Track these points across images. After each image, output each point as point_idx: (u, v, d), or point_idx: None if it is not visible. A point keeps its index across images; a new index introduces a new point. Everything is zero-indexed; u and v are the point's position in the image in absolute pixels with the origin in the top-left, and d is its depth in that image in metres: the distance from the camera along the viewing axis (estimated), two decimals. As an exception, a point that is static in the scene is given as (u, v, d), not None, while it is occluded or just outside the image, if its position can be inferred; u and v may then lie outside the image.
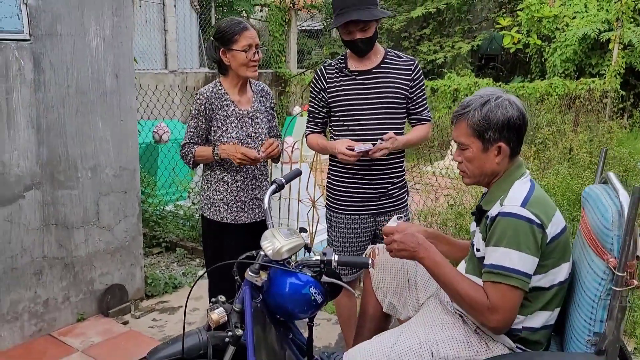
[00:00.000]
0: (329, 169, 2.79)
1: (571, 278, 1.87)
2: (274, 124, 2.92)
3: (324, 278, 2.08)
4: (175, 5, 11.28)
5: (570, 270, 1.85)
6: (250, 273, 2.10)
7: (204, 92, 2.68)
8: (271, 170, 4.92)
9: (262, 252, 2.09)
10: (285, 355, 2.33)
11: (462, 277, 1.84)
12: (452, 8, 14.17)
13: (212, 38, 2.69)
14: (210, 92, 2.68)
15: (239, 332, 2.06)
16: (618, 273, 1.54)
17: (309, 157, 4.59)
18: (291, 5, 13.81)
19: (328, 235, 2.83)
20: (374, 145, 2.48)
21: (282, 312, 2.19)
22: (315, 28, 16.89)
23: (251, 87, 2.81)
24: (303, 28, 16.41)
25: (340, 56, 2.73)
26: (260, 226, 2.71)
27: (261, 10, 14.35)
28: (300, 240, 2.10)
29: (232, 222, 2.73)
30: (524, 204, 1.75)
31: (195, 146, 2.71)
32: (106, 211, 3.53)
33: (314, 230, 4.37)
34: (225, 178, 2.72)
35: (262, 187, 2.81)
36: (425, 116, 2.70)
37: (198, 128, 2.69)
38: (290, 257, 2.11)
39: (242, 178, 2.73)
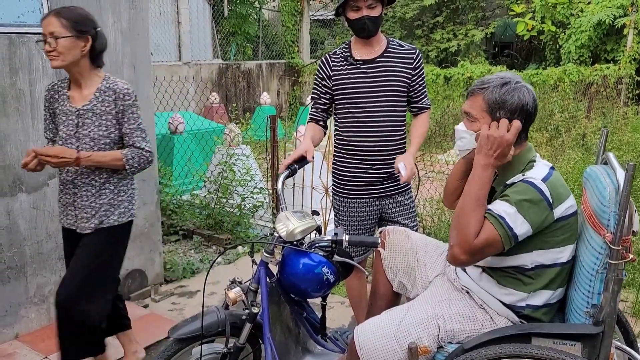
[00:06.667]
0: (334, 156, 2.87)
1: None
2: (126, 130, 2.48)
3: (336, 257, 2.17)
4: (188, -3, 11.39)
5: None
6: (265, 254, 2.20)
7: (49, 85, 2.53)
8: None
9: (276, 234, 2.18)
10: (300, 332, 2.43)
11: (483, 210, 1.84)
12: (465, -5, 14.10)
13: None
14: (53, 85, 2.52)
15: (255, 310, 2.15)
16: (614, 247, 1.62)
17: (321, 146, 4.66)
18: (303, -5, 13.85)
19: (336, 220, 2.92)
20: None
21: (296, 291, 2.28)
22: (328, 18, 16.90)
23: (102, 84, 2.46)
24: (315, 18, 16.43)
25: (344, 44, 2.81)
26: (73, 235, 2.54)
27: (274, 1, 14.40)
28: (313, 222, 2.18)
29: (60, 222, 2.62)
30: (544, 180, 1.84)
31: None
32: (126, 198, 3.65)
33: (327, 218, 4.47)
34: (58, 177, 2.59)
35: (81, 196, 2.49)
36: (426, 104, 2.81)
37: (47, 121, 2.56)
38: (303, 239, 2.21)
39: (63, 179, 2.54)
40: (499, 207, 1.83)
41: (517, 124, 1.85)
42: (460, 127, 1.98)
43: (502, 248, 1.82)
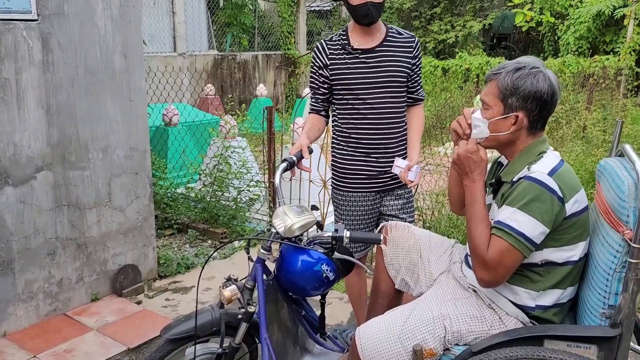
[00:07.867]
0: (333, 149, 2.76)
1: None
2: None
3: (336, 254, 2.08)
4: (183, -13, 11.21)
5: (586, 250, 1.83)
6: (262, 250, 2.10)
7: None
8: (282, 150, 4.92)
9: (273, 230, 2.08)
10: (298, 331, 2.34)
11: (485, 223, 1.82)
12: (463, -14, 13.96)
13: None
14: None
15: (252, 308, 2.06)
16: (634, 245, 1.52)
17: (319, 138, 4.55)
18: (300, -15, 13.67)
19: (335, 214, 2.82)
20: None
21: (294, 289, 2.19)
22: (325, 9, 16.72)
23: None
24: (312, 9, 16.25)
25: (341, 31, 2.68)
26: None
27: (269, -9, 14.22)
28: (312, 218, 2.08)
29: None
30: (551, 173, 1.74)
31: None
32: (118, 192, 3.54)
33: (325, 211, 4.37)
34: None
35: None
36: (421, 95, 2.75)
37: None
38: (301, 235, 2.11)
39: None
40: (505, 214, 1.75)
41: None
42: (476, 115, 1.88)
43: (523, 256, 1.74)
